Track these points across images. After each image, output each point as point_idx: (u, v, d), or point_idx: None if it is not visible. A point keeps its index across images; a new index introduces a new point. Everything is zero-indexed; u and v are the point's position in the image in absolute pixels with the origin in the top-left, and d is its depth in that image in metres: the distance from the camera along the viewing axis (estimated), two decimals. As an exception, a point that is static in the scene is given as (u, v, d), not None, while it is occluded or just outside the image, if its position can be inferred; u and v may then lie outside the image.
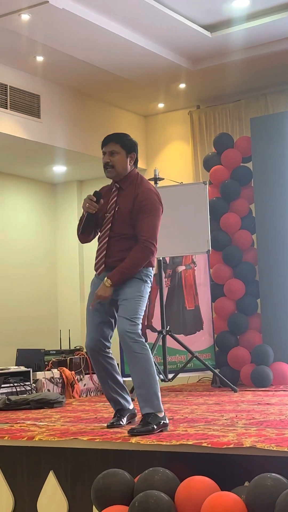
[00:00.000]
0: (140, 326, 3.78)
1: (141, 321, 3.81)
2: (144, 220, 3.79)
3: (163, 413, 3.62)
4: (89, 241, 4.06)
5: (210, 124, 7.72)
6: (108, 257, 3.84)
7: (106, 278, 3.76)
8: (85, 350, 6.84)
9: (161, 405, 3.66)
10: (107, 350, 3.94)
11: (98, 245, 3.92)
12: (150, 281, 3.90)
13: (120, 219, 3.83)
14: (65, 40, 6.13)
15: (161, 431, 3.53)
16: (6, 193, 7.98)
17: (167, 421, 3.63)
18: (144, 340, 3.75)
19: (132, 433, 3.38)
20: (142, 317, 3.81)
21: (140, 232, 3.79)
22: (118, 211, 3.84)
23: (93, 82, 7.14)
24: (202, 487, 2.67)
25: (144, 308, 3.86)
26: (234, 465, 2.88)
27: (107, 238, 3.85)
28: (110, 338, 3.97)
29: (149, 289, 3.90)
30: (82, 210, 3.93)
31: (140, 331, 3.76)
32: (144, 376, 3.68)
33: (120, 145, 3.89)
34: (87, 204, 3.85)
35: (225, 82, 7.31)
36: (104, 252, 3.85)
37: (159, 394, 3.69)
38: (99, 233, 3.97)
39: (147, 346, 3.76)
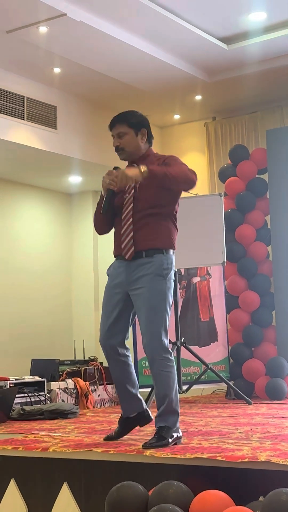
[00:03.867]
0: (167, 335, 3.57)
1: (168, 325, 3.57)
2: (176, 164, 3.58)
3: (177, 426, 3.61)
4: (107, 231, 3.79)
5: (226, 135, 7.74)
6: (139, 237, 3.59)
7: (145, 167, 3.45)
8: (99, 360, 6.84)
9: (178, 421, 3.60)
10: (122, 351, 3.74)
11: (120, 228, 3.65)
12: (172, 270, 3.63)
13: (143, 197, 3.60)
14: (82, 52, 6.17)
15: (175, 443, 3.52)
16: (22, 203, 8.02)
17: (181, 434, 3.61)
18: (170, 355, 3.58)
19: (146, 447, 3.37)
20: (167, 321, 3.57)
21: (174, 167, 3.56)
22: (140, 188, 3.60)
23: (110, 93, 7.17)
24: (217, 501, 2.66)
25: (169, 311, 3.61)
26: (249, 479, 2.87)
27: (131, 219, 3.60)
28: (126, 339, 3.76)
29: (171, 283, 3.62)
30: (102, 189, 3.65)
31: (167, 344, 3.58)
32: (166, 392, 3.58)
33: (126, 124, 3.70)
34: (107, 180, 3.55)
35: (241, 94, 7.32)
36: (132, 233, 3.59)
37: (179, 410, 3.62)
38: (117, 218, 3.70)
39: (173, 361, 3.62)
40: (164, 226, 3.63)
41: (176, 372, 3.63)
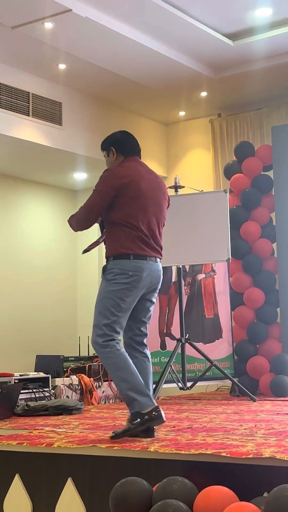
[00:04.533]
0: (104, 331, 3.84)
1: (110, 322, 3.85)
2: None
3: (148, 409, 3.69)
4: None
5: (231, 132, 7.72)
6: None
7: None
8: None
9: (144, 401, 3.71)
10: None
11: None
12: (122, 274, 3.84)
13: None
14: (87, 48, 6.17)
15: (144, 425, 3.64)
16: (27, 200, 8.03)
17: (156, 414, 3.68)
18: (107, 345, 3.81)
19: (112, 437, 3.60)
20: (109, 320, 3.84)
21: None
22: None
23: (115, 90, 7.17)
24: (221, 497, 2.65)
25: (111, 308, 3.85)
26: (253, 475, 2.87)
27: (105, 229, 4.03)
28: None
29: (121, 286, 3.83)
30: None
31: (104, 337, 3.82)
32: (114, 381, 3.85)
33: (102, 149, 4.16)
34: None
35: (247, 91, 7.31)
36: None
37: (134, 393, 3.73)
38: None
39: (111, 349, 3.80)
40: (113, 233, 3.92)
41: (120, 359, 3.79)
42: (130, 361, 3.83)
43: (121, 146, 4.08)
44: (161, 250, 4.01)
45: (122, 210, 3.88)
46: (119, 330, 3.89)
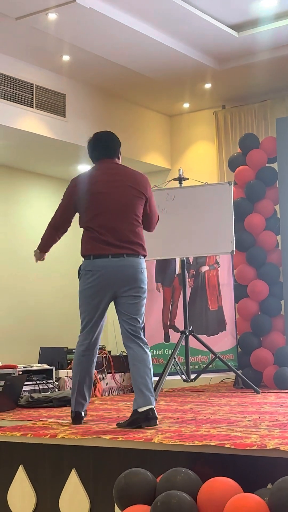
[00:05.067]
0: (81, 334, 4.14)
1: (82, 321, 4.11)
2: None
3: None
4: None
5: (235, 124, 7.70)
6: None
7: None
8: (108, 349, 6.85)
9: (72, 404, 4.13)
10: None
11: None
12: (85, 274, 4.06)
13: None
14: (91, 40, 6.14)
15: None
16: (31, 192, 8.02)
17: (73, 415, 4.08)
18: (79, 347, 4.11)
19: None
20: (84, 319, 4.09)
21: None
22: None
23: (119, 81, 7.15)
24: (225, 488, 2.66)
25: (81, 308, 4.11)
26: (257, 467, 2.87)
27: None
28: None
29: (86, 285, 4.05)
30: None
31: (80, 336, 4.13)
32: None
33: None
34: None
35: (251, 82, 7.28)
36: None
37: (72, 395, 4.14)
38: None
39: (79, 355, 4.11)
40: (82, 237, 4.20)
41: (82, 367, 4.11)
42: (84, 368, 4.12)
43: (90, 153, 4.34)
44: (133, 245, 4.02)
45: (81, 215, 4.18)
46: (86, 329, 4.10)
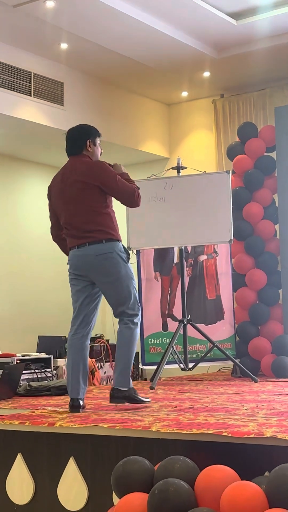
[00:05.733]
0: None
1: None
2: None
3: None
4: None
5: (234, 113, 7.68)
6: None
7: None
8: (106, 338, 6.87)
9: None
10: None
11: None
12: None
13: None
14: (89, 28, 6.12)
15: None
16: (28, 180, 8.01)
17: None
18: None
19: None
20: (72, 306, 4.46)
21: None
22: None
23: (117, 70, 7.12)
24: (222, 476, 2.67)
25: (72, 296, 4.48)
26: (255, 455, 2.88)
27: None
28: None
29: (69, 278, 4.45)
30: None
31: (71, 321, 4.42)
32: None
33: None
34: None
35: (250, 71, 7.26)
36: None
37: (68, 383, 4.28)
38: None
39: (69, 337, 4.38)
40: None
41: (72, 351, 4.29)
42: (74, 353, 4.28)
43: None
44: (92, 232, 4.18)
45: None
46: (74, 314, 4.41)
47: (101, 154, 4.39)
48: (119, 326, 4.24)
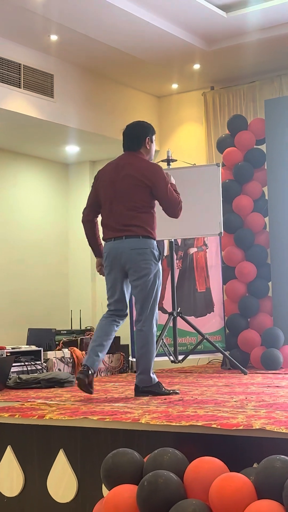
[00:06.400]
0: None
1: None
2: None
3: None
4: None
5: (224, 105, 7.68)
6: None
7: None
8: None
9: None
10: None
11: None
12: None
13: None
14: (79, 19, 6.09)
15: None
16: (18, 173, 7.99)
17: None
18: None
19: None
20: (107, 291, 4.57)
21: None
22: None
23: (107, 62, 7.10)
24: (211, 468, 2.68)
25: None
26: (243, 446, 2.89)
27: None
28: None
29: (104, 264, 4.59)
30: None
31: None
32: None
33: None
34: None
35: (240, 63, 7.25)
36: None
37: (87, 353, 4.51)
38: None
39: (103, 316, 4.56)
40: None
41: (99, 327, 4.48)
42: (101, 327, 4.47)
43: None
44: (130, 227, 4.37)
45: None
46: (109, 303, 4.54)
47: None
48: (136, 327, 4.45)
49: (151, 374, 4.39)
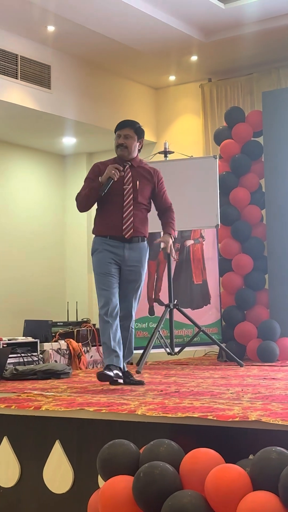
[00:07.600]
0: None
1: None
2: (166, 192, 4.78)
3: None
4: (89, 208, 4.65)
5: (221, 97, 7.66)
6: (136, 223, 4.55)
7: (168, 234, 4.71)
8: (92, 322, 6.87)
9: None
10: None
11: (122, 212, 4.52)
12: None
13: (141, 192, 4.58)
14: (77, 10, 6.06)
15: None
16: (15, 164, 7.96)
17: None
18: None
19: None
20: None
21: (167, 201, 4.78)
22: (140, 184, 4.58)
23: (105, 53, 7.07)
24: (207, 459, 2.69)
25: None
26: (239, 438, 2.90)
27: (132, 207, 4.54)
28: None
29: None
30: (106, 176, 4.49)
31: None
32: None
33: (134, 130, 4.64)
34: (113, 171, 4.46)
35: (238, 55, 7.23)
36: (132, 218, 4.54)
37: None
38: (113, 203, 4.55)
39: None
40: (147, 217, 4.70)
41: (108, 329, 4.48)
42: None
43: (142, 145, 4.83)
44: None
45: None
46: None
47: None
48: (123, 324, 4.62)
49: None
